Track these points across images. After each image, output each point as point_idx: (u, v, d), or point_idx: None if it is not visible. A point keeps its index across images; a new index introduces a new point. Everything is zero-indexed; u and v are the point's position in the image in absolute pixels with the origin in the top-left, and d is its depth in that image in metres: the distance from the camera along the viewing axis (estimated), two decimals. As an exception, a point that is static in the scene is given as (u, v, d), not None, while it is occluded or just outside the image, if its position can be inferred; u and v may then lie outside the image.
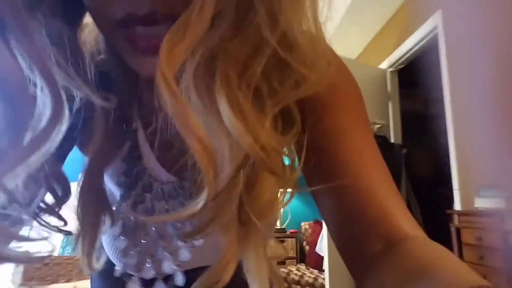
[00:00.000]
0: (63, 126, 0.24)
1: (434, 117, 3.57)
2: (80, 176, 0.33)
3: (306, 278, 2.59)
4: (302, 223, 3.32)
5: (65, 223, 0.31)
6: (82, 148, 0.36)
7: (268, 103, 0.25)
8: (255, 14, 0.22)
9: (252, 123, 0.23)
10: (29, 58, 0.22)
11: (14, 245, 0.24)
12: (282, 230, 3.26)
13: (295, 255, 3.17)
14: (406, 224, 0.27)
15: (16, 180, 0.23)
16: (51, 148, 0.23)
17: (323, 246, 2.40)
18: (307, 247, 3.13)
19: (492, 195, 1.33)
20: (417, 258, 0.23)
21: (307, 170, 0.30)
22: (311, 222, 3.23)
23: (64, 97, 0.23)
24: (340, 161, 0.29)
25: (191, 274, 0.38)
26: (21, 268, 1.96)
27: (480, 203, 1.37)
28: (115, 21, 0.24)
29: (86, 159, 0.34)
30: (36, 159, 0.23)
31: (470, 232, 1.31)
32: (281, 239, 3.18)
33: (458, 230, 1.38)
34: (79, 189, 0.32)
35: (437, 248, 0.24)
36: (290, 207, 3.34)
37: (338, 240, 0.30)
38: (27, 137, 0.22)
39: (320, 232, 2.87)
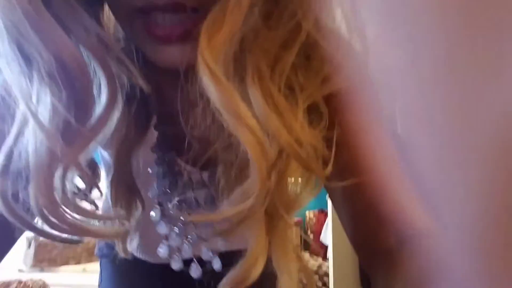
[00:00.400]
0: (119, 110, 0.24)
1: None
2: (109, 165, 0.34)
3: (309, 266, 2.63)
4: (307, 212, 3.34)
5: (97, 208, 0.32)
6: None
7: (299, 96, 0.25)
8: (290, 1, 0.22)
9: (286, 116, 0.22)
10: (83, 44, 0.23)
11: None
12: (287, 219, 3.29)
13: (299, 244, 3.21)
14: (422, 218, 0.27)
15: (84, 161, 0.24)
16: (108, 132, 0.24)
17: (328, 235, 2.42)
18: (311, 236, 3.16)
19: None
20: (433, 254, 0.23)
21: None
22: (316, 211, 3.24)
23: (118, 81, 0.24)
24: (356, 156, 0.30)
25: (226, 257, 0.39)
26: (32, 250, 2.02)
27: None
28: (133, 9, 0.24)
29: (109, 149, 0.34)
30: (95, 144, 0.24)
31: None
32: (285, 227, 3.22)
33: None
34: (109, 178, 0.33)
35: None
36: (295, 196, 3.36)
37: (352, 234, 0.31)
38: (91, 119, 0.23)
39: (324, 221, 2.89)
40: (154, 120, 0.35)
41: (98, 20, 0.28)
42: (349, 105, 0.31)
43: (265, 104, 0.22)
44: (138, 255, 0.45)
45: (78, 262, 2.11)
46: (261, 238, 0.28)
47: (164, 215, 0.37)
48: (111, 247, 0.54)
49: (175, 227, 0.38)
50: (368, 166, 0.30)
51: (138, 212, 0.35)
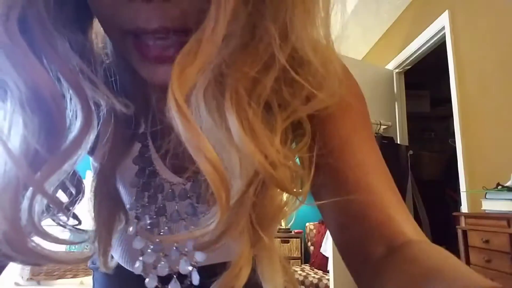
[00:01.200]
0: (93, 134, 0.24)
1: (440, 118, 3.53)
2: (93, 178, 0.33)
3: (310, 278, 2.59)
4: (307, 224, 3.31)
5: (80, 222, 0.31)
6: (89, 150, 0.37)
7: (278, 118, 0.26)
8: (266, 32, 0.22)
9: (262, 140, 0.23)
10: (58, 70, 0.23)
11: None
12: (287, 230, 3.26)
13: (299, 256, 3.17)
14: (409, 229, 0.28)
15: (52, 186, 0.24)
16: (82, 154, 0.24)
17: (328, 246, 2.40)
18: (311, 248, 3.12)
19: (500, 198, 1.32)
20: (422, 262, 0.23)
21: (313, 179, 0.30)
22: (316, 222, 3.22)
23: (92, 106, 0.24)
24: (344, 170, 0.30)
25: (205, 271, 0.38)
26: (29, 263, 1.99)
27: (487, 206, 1.35)
28: (123, 31, 0.24)
29: (97, 161, 0.34)
30: (69, 166, 0.24)
31: (477, 234, 1.30)
32: (285, 239, 3.18)
33: (465, 233, 1.37)
34: (93, 191, 0.33)
35: (442, 252, 0.25)
36: (295, 207, 3.34)
37: (341, 243, 0.31)
38: (63, 145, 0.23)
39: (325, 232, 2.86)
40: (140, 132, 0.35)
41: (85, 34, 0.29)
42: (336, 120, 0.31)
43: (241, 129, 0.22)
44: (125, 266, 0.44)
45: (75, 275, 2.08)
46: (245, 250, 0.28)
47: (140, 230, 0.37)
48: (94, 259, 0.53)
49: (151, 243, 0.37)
50: (356, 178, 0.29)
51: (121, 226, 0.35)
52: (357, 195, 0.29)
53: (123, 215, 0.35)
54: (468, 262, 1.32)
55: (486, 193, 1.37)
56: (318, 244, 2.93)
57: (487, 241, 1.24)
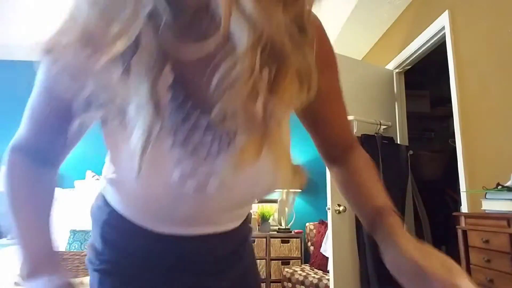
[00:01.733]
0: (138, 26, 0.29)
1: (440, 118, 3.53)
2: (136, 90, 0.33)
3: (310, 278, 2.59)
4: (307, 224, 3.31)
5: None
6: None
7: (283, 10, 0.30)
8: None
9: (268, 8, 0.27)
10: None
11: None
12: (287, 230, 3.25)
13: (299, 256, 3.17)
14: (352, 137, 0.55)
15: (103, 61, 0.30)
16: (126, 44, 0.29)
17: (328, 246, 2.39)
18: (311, 248, 3.12)
19: (499, 198, 1.32)
20: (356, 177, 0.50)
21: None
22: (316, 222, 3.22)
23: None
24: (322, 85, 0.39)
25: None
26: (29, 263, 1.98)
27: (487, 206, 1.35)
28: None
29: (137, 76, 0.34)
30: (115, 51, 0.29)
31: (477, 234, 1.30)
32: (285, 239, 3.18)
33: (465, 233, 1.37)
34: (137, 101, 0.33)
35: (367, 168, 0.51)
36: (295, 208, 3.33)
37: (315, 141, 0.53)
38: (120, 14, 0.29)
39: (324, 232, 2.86)
40: (170, 63, 0.37)
41: None
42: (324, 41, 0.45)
43: None
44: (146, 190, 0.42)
45: (75, 275, 2.08)
46: (255, 136, 0.34)
47: (177, 141, 0.40)
48: (100, 260, 0.53)
49: (187, 151, 0.40)
50: (329, 92, 0.48)
51: (156, 138, 0.35)
52: (325, 110, 0.49)
53: (160, 128, 0.35)
54: (468, 262, 1.32)
55: (486, 193, 1.36)
56: (318, 244, 2.93)
57: (487, 241, 1.24)
